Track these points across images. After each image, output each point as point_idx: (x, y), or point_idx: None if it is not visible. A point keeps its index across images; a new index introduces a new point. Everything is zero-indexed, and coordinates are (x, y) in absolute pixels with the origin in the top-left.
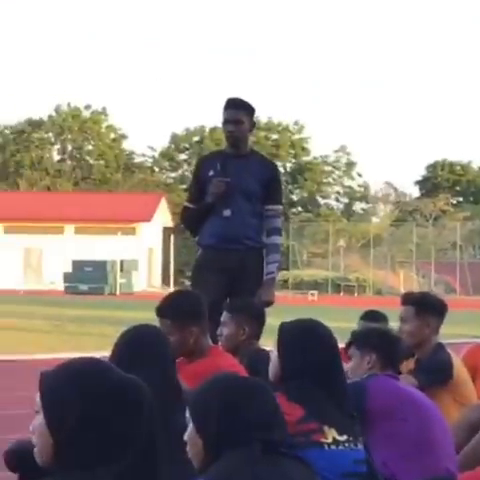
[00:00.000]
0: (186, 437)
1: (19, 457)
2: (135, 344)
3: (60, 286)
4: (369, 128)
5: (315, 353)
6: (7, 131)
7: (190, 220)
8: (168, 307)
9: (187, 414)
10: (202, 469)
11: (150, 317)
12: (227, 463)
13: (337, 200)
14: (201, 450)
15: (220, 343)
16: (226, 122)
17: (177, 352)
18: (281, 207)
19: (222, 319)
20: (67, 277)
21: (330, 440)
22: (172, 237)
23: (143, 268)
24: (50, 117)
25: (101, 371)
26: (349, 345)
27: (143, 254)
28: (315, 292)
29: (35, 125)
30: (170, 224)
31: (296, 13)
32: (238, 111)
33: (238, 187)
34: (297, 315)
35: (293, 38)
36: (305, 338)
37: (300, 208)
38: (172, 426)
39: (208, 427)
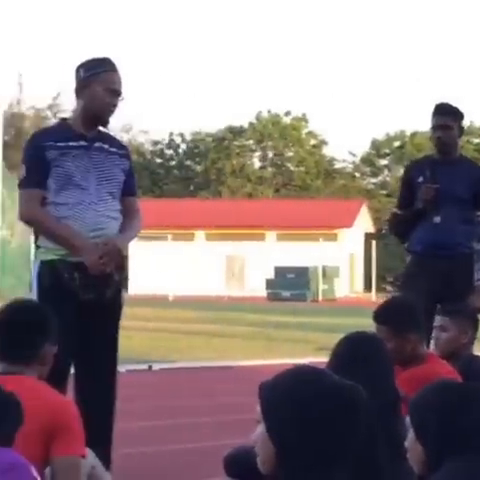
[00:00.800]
0: (407, 443)
1: (239, 463)
2: (354, 351)
3: (262, 292)
4: None
5: None
6: (208, 139)
7: (399, 226)
8: (387, 314)
9: (407, 420)
10: (423, 475)
11: (352, 323)
12: (448, 472)
13: None
14: (421, 457)
15: (432, 348)
16: (435, 128)
17: (394, 359)
18: None
19: (439, 323)
20: (269, 283)
21: None
22: (374, 243)
23: (345, 274)
24: (251, 124)
25: (317, 378)
26: None
27: (345, 260)
28: None
29: (236, 132)
30: (372, 230)
31: None
32: (447, 117)
33: (448, 193)
34: None
35: None
36: None
37: None
38: (392, 432)
39: (428, 434)
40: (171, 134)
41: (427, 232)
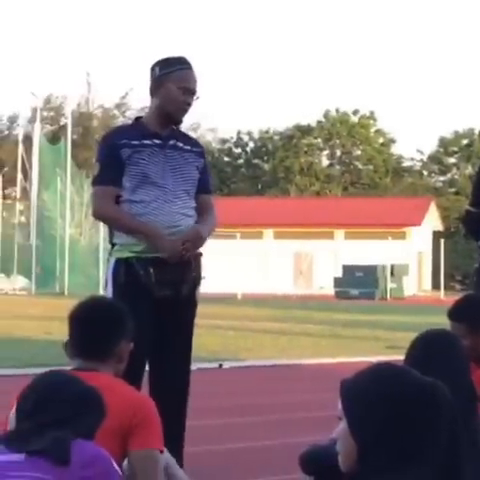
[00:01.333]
0: None
1: (316, 460)
2: (428, 348)
3: (330, 291)
4: None
5: None
6: (276, 137)
7: (472, 224)
8: (462, 311)
9: None
10: None
11: (422, 321)
12: None
13: None
14: None
15: None
16: None
17: (469, 356)
18: None
19: None
20: (337, 282)
21: None
22: (442, 241)
23: (413, 273)
24: (319, 123)
25: (399, 374)
26: None
27: (413, 258)
28: None
29: (304, 131)
30: (440, 228)
31: None
32: None
33: None
34: None
35: None
36: None
37: None
38: (469, 430)
39: None
40: (239, 132)
41: None
